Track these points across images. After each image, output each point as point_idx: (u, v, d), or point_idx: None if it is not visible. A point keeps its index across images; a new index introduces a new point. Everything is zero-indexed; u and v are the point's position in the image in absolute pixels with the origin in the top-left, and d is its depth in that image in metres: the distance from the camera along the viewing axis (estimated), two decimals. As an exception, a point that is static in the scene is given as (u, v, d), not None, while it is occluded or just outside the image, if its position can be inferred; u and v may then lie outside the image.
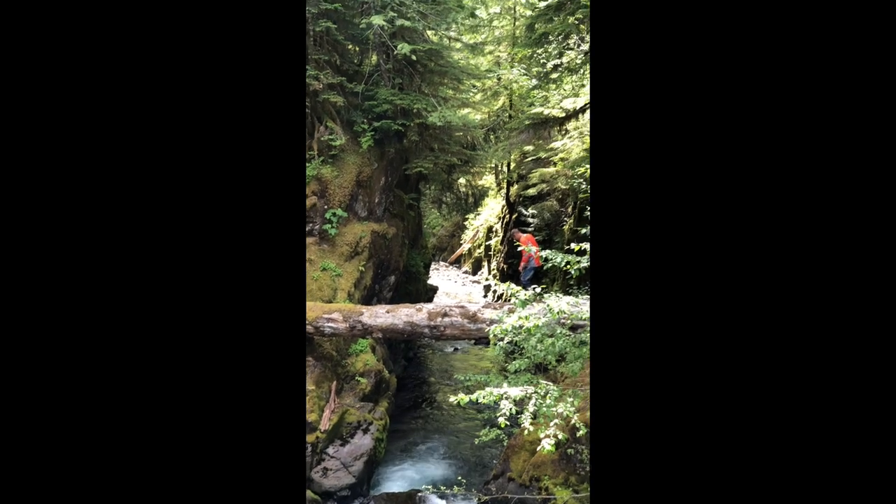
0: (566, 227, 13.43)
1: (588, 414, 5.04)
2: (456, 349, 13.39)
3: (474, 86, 13.88)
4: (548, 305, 4.79)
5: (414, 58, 9.59)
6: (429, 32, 10.72)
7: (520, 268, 10.60)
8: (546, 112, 10.46)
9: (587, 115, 10.13)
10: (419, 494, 6.51)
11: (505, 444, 6.59)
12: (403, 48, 9.21)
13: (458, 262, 25.42)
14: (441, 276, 21.99)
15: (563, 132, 11.05)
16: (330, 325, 7.35)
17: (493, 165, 17.23)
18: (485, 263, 21.50)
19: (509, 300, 7.28)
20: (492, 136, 13.72)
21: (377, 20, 9.10)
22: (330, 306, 7.66)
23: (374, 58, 10.43)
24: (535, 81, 12.63)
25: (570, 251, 5.46)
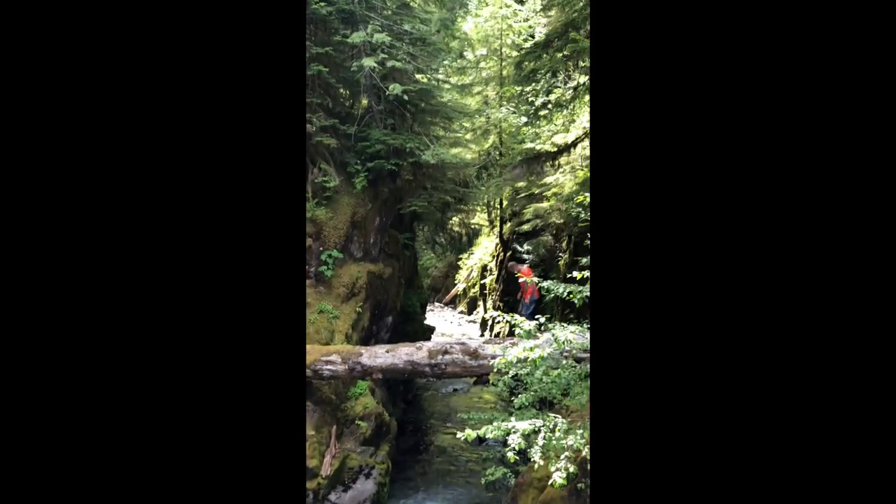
0: (561, 263, 13.40)
1: (598, 446, 4.92)
2: (455, 389, 13.20)
3: (464, 126, 14.03)
4: (553, 335, 4.72)
5: (405, 98, 9.66)
6: (418, 75, 10.85)
7: (525, 300, 10.49)
8: (538, 147, 10.52)
9: (579, 148, 10.20)
10: (427, 538, 6.31)
11: (512, 482, 6.42)
12: (395, 88, 9.30)
13: (453, 303, 25.30)
14: (437, 316, 21.85)
15: (556, 167, 11.11)
16: (329, 367, 7.21)
17: (485, 203, 17.30)
18: (480, 302, 21.40)
19: (510, 335, 7.17)
20: (484, 174, 13.80)
21: (368, 62, 9.20)
22: (328, 348, 7.54)
23: (365, 101, 10.52)
24: (524, 119, 12.78)
25: (572, 280, 5.41)
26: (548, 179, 11.63)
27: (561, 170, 11.09)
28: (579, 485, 5.70)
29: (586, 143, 10.27)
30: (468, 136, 14.76)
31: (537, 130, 11.67)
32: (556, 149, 10.46)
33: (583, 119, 10.60)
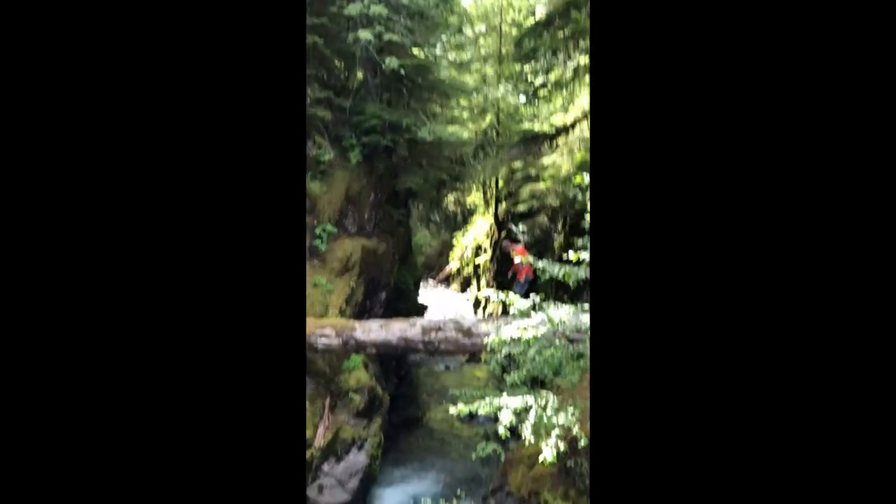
0: (556, 244, 13.43)
1: (588, 426, 4.98)
2: (447, 367, 13.29)
3: (461, 103, 13.94)
4: (547, 315, 4.74)
5: (402, 72, 9.60)
6: (415, 50, 10.76)
7: (520, 279, 10.52)
8: (536, 128, 10.49)
9: (577, 130, 10.19)
10: (417, 511, 6.39)
11: (502, 458, 6.50)
12: (392, 62, 9.22)
13: (446, 281, 25.35)
14: (430, 294, 21.90)
15: (554, 148, 11.10)
16: (323, 340, 7.25)
17: (481, 183, 17.26)
18: (474, 281, 21.46)
19: (504, 314, 7.18)
20: (480, 153, 13.76)
21: (365, 34, 9.12)
22: (322, 321, 7.57)
23: (361, 74, 10.44)
24: (523, 98, 12.71)
25: (567, 261, 5.44)
26: (545, 160, 11.63)
27: (558, 151, 11.08)
28: (569, 462, 5.78)
29: (585, 124, 10.26)
30: (465, 115, 14.70)
31: (535, 111, 11.62)
32: (554, 130, 10.44)
33: (582, 100, 10.56)
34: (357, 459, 7.28)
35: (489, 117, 15.32)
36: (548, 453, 4.41)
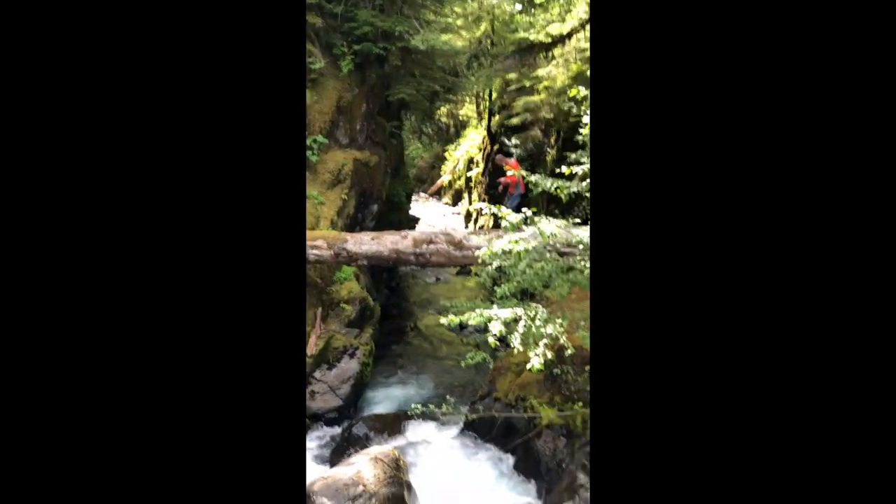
0: (549, 158, 13.34)
1: (575, 335, 5.13)
2: (438, 279, 13.47)
3: (455, 10, 13.49)
4: (538, 229, 4.79)
5: (396, -23, 9.24)
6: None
7: (511, 193, 10.51)
8: (532, 37, 10.21)
9: (574, 40, 9.93)
10: (407, 413, 6.65)
11: (491, 366, 6.71)
12: (385, -34, 8.86)
13: (438, 194, 25.31)
14: (422, 207, 21.91)
15: (549, 59, 10.84)
16: (314, 251, 7.30)
17: (475, 95, 16.95)
18: (465, 195, 21.44)
19: (495, 227, 7.19)
20: (475, 63, 13.43)
21: (358, -64, 8.72)
22: (314, 233, 7.60)
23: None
24: (518, 6, 12.30)
25: (560, 175, 5.43)
26: (540, 72, 11.37)
27: (554, 62, 10.83)
28: (555, 370, 5.99)
29: (582, 35, 9.99)
30: (459, 22, 14.23)
31: (531, 19, 11.27)
32: (550, 39, 10.16)
33: (579, 10, 10.24)
34: (348, 367, 7.50)
35: (484, 25, 14.85)
36: (535, 361, 4.56)
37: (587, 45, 10.11)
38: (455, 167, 23.59)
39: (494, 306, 5.03)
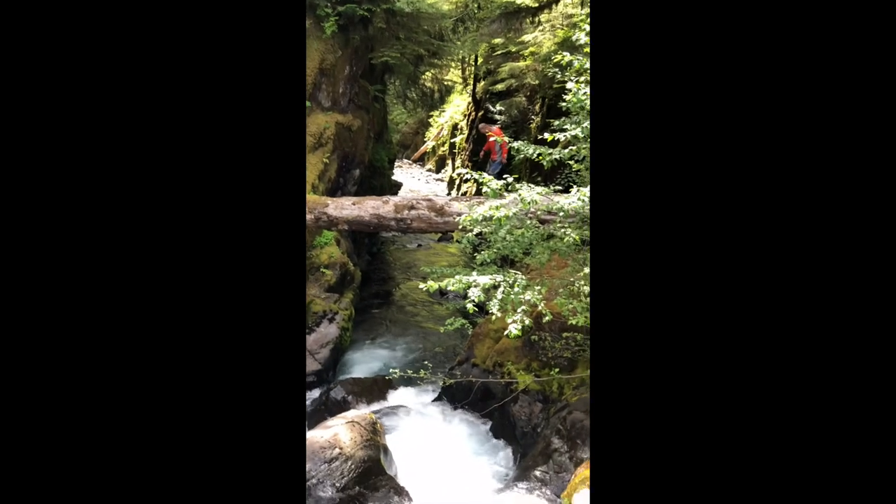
0: (533, 125, 13.28)
1: (553, 302, 5.16)
2: (419, 245, 13.46)
3: (442, -28, 13.25)
4: (520, 196, 4.77)
5: (381, -65, 9.03)
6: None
7: (494, 159, 10.45)
8: (518, 1, 10.06)
9: (560, 5, 9.81)
10: (386, 378, 6.69)
11: (470, 332, 6.75)
12: (370, -76, 8.64)
13: (421, 160, 25.16)
14: (405, 173, 21.78)
15: (535, 24, 10.71)
16: (295, 215, 7.25)
17: (460, 60, 16.73)
18: (449, 161, 21.32)
19: (478, 194, 7.14)
20: (460, 28, 13.23)
21: None
22: (295, 197, 7.53)
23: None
24: (506, -31, 12.07)
25: (543, 142, 5.40)
26: (526, 37, 11.24)
27: (540, 28, 10.70)
28: (533, 337, 6.03)
29: (569, 0, 9.87)
30: (446, -16, 14.00)
31: (519, -18, 11.09)
32: (537, 4, 10.02)
33: (567, -27, 10.11)
34: (328, 331, 7.50)
35: (471, -11, 14.61)
36: (513, 328, 4.58)
37: (574, 10, 9.99)
38: (439, 133, 23.41)
39: (474, 273, 5.04)
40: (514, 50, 12.17)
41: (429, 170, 23.63)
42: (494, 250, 5.48)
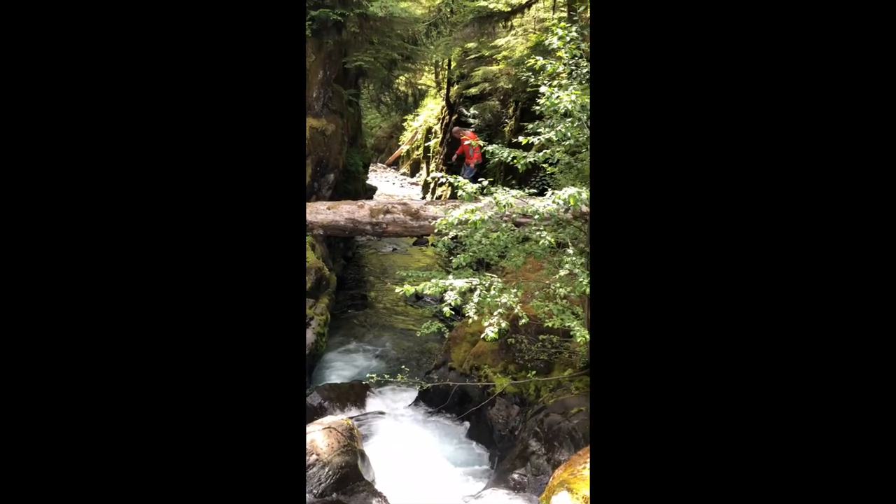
0: (507, 129, 13.34)
1: (529, 305, 5.18)
2: (395, 248, 13.43)
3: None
4: (495, 199, 4.79)
5: (354, -60, 9.02)
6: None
7: (469, 164, 10.47)
8: (491, 6, 10.12)
9: (533, 10, 9.88)
10: (362, 383, 6.66)
11: (447, 336, 6.75)
12: (343, -72, 8.63)
13: (396, 164, 25.13)
14: (379, 177, 21.74)
15: (508, 28, 10.77)
16: (269, 220, 7.19)
17: (433, 64, 16.77)
18: (423, 165, 21.33)
19: (453, 198, 7.17)
20: (434, 32, 13.25)
21: None
22: (269, 202, 7.48)
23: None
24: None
25: (517, 145, 5.43)
26: (499, 42, 11.31)
27: (513, 32, 10.77)
28: (509, 340, 6.05)
29: (541, 4, 9.94)
30: (419, -11, 14.02)
31: (492, -13, 11.14)
32: (509, 9, 10.08)
33: (539, -22, 10.18)
34: (305, 336, 7.44)
35: (444, -7, 14.65)
36: (490, 331, 4.60)
37: (546, 15, 10.06)
38: (413, 137, 23.41)
39: (450, 276, 5.04)
40: (487, 54, 12.24)
41: (403, 174, 23.62)
42: (470, 253, 5.50)
